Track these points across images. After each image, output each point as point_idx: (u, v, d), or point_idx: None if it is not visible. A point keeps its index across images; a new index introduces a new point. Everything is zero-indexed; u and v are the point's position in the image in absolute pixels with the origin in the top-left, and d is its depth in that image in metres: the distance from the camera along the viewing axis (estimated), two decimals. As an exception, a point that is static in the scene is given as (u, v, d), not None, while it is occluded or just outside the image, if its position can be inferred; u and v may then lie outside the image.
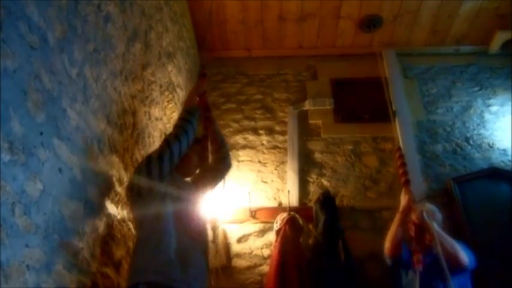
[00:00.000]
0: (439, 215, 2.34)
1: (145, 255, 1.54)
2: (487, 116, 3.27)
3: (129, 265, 1.63)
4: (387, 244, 2.25)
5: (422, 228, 2.17)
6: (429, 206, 2.39)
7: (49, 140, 1.29)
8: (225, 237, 2.79)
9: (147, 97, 2.35)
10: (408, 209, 2.24)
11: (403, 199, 2.28)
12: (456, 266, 2.03)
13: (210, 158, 2.08)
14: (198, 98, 2.06)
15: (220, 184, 2.17)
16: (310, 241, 2.68)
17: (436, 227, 2.13)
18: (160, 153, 1.73)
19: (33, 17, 1.23)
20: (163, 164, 1.69)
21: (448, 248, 2.04)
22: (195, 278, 1.60)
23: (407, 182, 2.28)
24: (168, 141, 1.78)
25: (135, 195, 1.71)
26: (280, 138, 3.27)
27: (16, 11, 1.15)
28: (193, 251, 1.65)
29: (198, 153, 2.02)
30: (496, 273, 2.33)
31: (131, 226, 1.93)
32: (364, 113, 3.33)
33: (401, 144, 3.08)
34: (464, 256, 2.07)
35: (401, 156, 2.40)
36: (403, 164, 2.35)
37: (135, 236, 1.71)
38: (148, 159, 1.73)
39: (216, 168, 2.07)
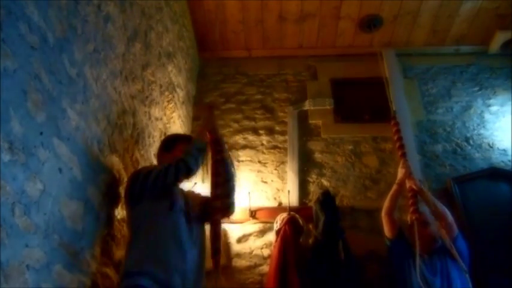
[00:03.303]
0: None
1: (142, 257, 1.53)
2: (487, 116, 3.27)
3: (124, 265, 1.62)
4: (385, 222, 2.35)
5: (416, 194, 2.31)
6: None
7: (49, 140, 1.29)
8: (225, 237, 2.79)
9: (147, 97, 2.34)
10: (404, 182, 2.38)
11: (400, 172, 2.42)
12: (448, 232, 2.18)
13: (211, 193, 1.90)
14: (208, 133, 1.93)
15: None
16: (310, 241, 2.68)
17: (430, 195, 2.31)
18: (158, 171, 1.70)
19: (33, 17, 1.23)
20: (167, 180, 1.68)
21: (440, 210, 2.23)
22: (191, 281, 1.59)
23: (404, 155, 2.42)
24: (168, 166, 1.71)
25: (136, 198, 1.69)
26: (280, 138, 3.27)
27: (16, 11, 1.15)
28: (190, 253, 1.65)
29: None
30: (496, 273, 2.33)
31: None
32: (364, 113, 3.33)
33: (401, 144, 3.09)
34: (454, 222, 2.21)
35: (398, 130, 2.49)
36: (400, 138, 2.47)
37: (129, 237, 1.69)
38: (148, 172, 1.71)
39: (212, 208, 1.87)
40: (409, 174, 2.36)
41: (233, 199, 1.89)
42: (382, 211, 2.38)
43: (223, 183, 1.87)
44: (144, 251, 1.56)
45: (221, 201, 1.86)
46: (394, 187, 2.41)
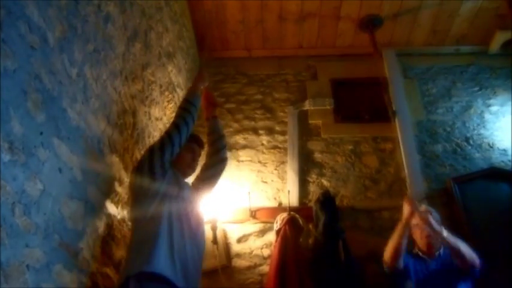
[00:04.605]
0: (436, 215, 2.35)
1: (139, 253, 1.53)
2: (487, 116, 3.26)
3: (122, 266, 1.63)
4: (387, 255, 2.18)
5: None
6: (426, 207, 2.41)
7: (49, 140, 1.29)
8: (225, 237, 2.79)
9: (147, 97, 2.35)
10: (410, 220, 2.18)
11: (406, 209, 2.21)
12: (469, 267, 2.04)
13: (206, 152, 2.14)
14: (202, 88, 2.14)
15: (220, 184, 2.17)
16: (310, 241, 2.68)
17: (445, 231, 2.10)
18: (161, 143, 1.77)
19: (33, 17, 1.23)
20: (164, 154, 1.73)
21: (463, 249, 2.03)
22: (188, 278, 1.60)
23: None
24: (169, 132, 1.82)
25: (137, 195, 1.71)
26: (280, 138, 3.27)
27: (16, 11, 1.15)
28: (190, 252, 1.65)
29: (190, 151, 1.99)
30: (496, 274, 2.33)
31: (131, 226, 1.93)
32: (364, 113, 3.33)
33: (401, 144, 3.08)
34: (473, 254, 2.06)
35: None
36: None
37: (130, 237, 1.71)
38: (151, 150, 1.78)
39: (211, 164, 2.10)
40: (414, 212, 2.16)
41: (226, 154, 2.17)
42: (387, 252, 2.18)
43: (218, 139, 2.14)
44: (154, 249, 1.52)
45: (217, 155, 2.10)
46: (400, 227, 2.16)
